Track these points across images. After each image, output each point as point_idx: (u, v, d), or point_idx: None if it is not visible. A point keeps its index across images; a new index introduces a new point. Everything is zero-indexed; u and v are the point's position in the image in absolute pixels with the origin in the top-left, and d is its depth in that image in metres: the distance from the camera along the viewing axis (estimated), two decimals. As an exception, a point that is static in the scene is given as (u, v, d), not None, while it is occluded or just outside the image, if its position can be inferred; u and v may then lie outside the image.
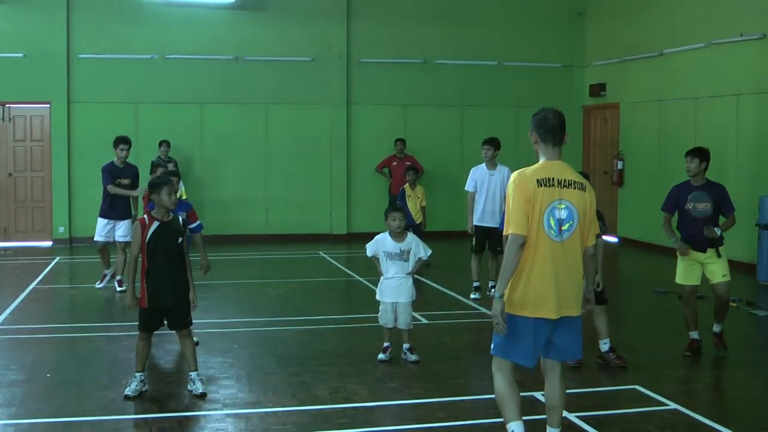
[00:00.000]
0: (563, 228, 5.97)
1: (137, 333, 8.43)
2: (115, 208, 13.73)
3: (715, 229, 9.78)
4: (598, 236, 9.74)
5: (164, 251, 8.23)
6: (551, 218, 5.96)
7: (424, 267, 15.14)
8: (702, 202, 9.93)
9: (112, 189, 13.63)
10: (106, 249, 13.93)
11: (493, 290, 13.17)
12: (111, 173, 13.71)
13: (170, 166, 16.50)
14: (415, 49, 20.95)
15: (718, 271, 9.83)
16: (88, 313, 12.36)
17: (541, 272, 5.95)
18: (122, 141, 13.88)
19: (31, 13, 19.25)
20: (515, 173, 6.09)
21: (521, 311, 6.00)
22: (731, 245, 16.26)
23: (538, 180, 5.98)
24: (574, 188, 6.03)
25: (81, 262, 17.29)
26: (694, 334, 9.89)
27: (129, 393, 8.13)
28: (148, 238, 8.16)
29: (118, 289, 13.45)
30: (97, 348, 10.36)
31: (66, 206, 19.40)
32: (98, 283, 13.98)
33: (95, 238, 13.92)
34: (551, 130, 6.13)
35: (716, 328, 9.97)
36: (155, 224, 8.21)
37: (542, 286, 5.96)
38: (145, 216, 8.32)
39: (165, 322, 8.45)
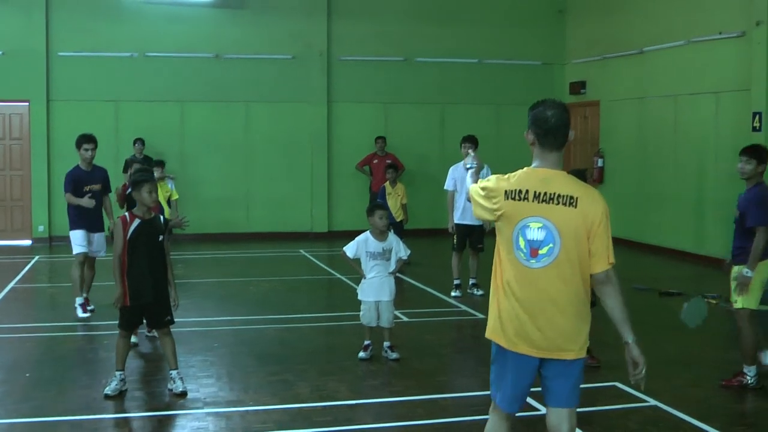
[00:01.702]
0: (540, 252, 4.84)
1: (117, 332, 8.41)
2: (85, 218, 11.69)
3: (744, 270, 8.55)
4: None
5: (146, 249, 8.21)
6: (521, 238, 4.87)
7: (405, 265, 15.17)
8: (737, 209, 8.76)
9: (71, 199, 11.58)
10: (85, 263, 11.86)
11: (474, 289, 13.22)
12: (75, 180, 11.68)
13: (158, 171, 15.72)
14: (396, 47, 20.96)
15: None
16: (67, 312, 12.27)
17: (510, 299, 4.94)
18: (86, 140, 11.79)
19: (9, 10, 19.15)
20: (493, 177, 5.13)
21: (499, 339, 5.03)
22: (708, 241, 16.43)
23: (506, 191, 4.94)
24: (561, 204, 4.84)
25: (61, 261, 17.20)
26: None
27: (109, 392, 8.10)
28: (129, 235, 8.14)
29: (82, 314, 11.61)
30: (77, 347, 10.32)
31: (45, 205, 19.31)
32: (81, 312, 11.68)
33: (76, 251, 11.68)
34: (551, 132, 5.03)
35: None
36: (136, 222, 8.19)
37: (514, 315, 4.93)
38: (126, 214, 8.29)
39: (144, 320, 8.44)
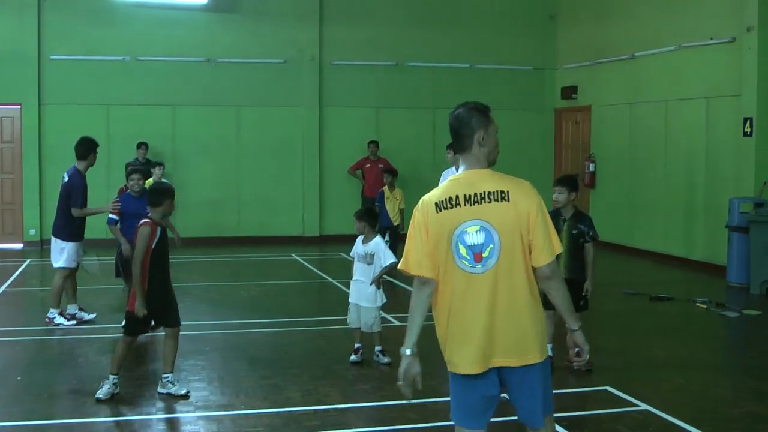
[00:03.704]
0: (483, 255, 4.61)
1: (121, 336, 8.38)
2: (83, 228, 11.67)
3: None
4: (584, 244, 9.66)
5: (163, 257, 8.26)
6: (461, 246, 4.63)
7: (398, 270, 15.15)
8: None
9: (89, 211, 11.51)
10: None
11: None
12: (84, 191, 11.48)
13: (157, 170, 15.66)
14: (388, 52, 20.99)
15: None
16: (58, 315, 12.28)
17: (460, 316, 4.69)
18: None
19: (1, 14, 19.13)
20: (421, 199, 4.87)
21: (452, 367, 4.79)
22: (698, 246, 16.47)
23: (436, 204, 4.70)
24: (493, 200, 4.63)
25: (52, 265, 17.17)
26: None
27: (101, 396, 8.07)
28: (155, 243, 8.14)
29: (66, 323, 11.39)
30: (68, 351, 10.29)
31: (37, 208, 19.28)
32: (65, 320, 11.45)
33: (71, 264, 11.52)
34: (455, 132, 4.87)
35: None
36: (158, 230, 8.19)
37: (462, 333, 4.70)
38: (149, 220, 8.22)
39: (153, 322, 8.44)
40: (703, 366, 9.80)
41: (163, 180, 15.41)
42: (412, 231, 4.79)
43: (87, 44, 19.54)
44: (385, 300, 9.59)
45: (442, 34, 21.19)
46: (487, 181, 4.69)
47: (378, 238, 9.55)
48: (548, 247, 4.66)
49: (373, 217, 9.71)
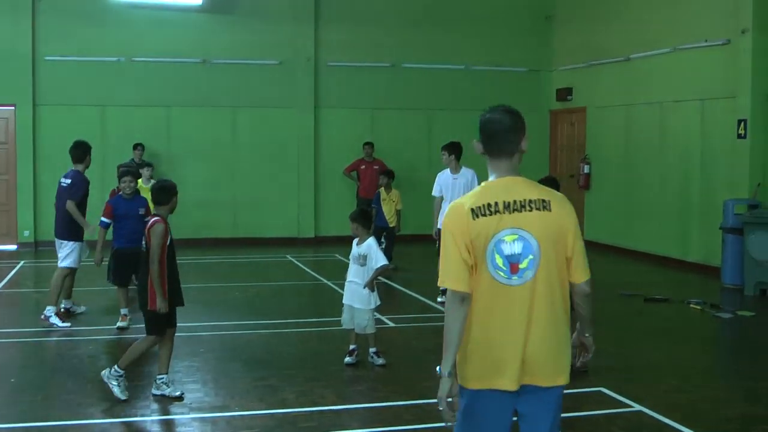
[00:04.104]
0: (520, 266, 4.32)
1: (150, 336, 8.34)
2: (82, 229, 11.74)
3: None
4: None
5: (172, 252, 8.35)
6: (497, 256, 4.32)
7: (392, 271, 15.20)
8: None
9: (74, 210, 11.46)
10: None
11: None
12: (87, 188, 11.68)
13: (146, 171, 15.63)
14: (383, 53, 20.98)
15: None
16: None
17: (487, 329, 4.37)
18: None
19: (-5, 14, 19.12)
20: (449, 206, 4.55)
21: (470, 383, 4.42)
22: (693, 248, 16.49)
23: (472, 210, 4.36)
24: (533, 209, 4.36)
25: (46, 266, 17.13)
26: None
27: (123, 396, 8.10)
28: (169, 240, 8.24)
29: (60, 325, 11.28)
30: (62, 352, 10.28)
31: (31, 210, 19.24)
32: (60, 321, 11.37)
33: (76, 265, 11.66)
34: (496, 136, 4.47)
35: None
36: (168, 226, 8.26)
37: (488, 347, 4.37)
38: (159, 218, 8.27)
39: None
40: (697, 367, 9.82)
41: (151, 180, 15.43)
42: (446, 242, 4.40)
43: (81, 45, 19.51)
44: (379, 302, 9.57)
45: (437, 36, 21.18)
46: (525, 188, 4.43)
47: (371, 240, 9.52)
48: (586, 262, 4.52)
49: (367, 219, 9.71)
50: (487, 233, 4.32)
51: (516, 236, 4.32)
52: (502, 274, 4.32)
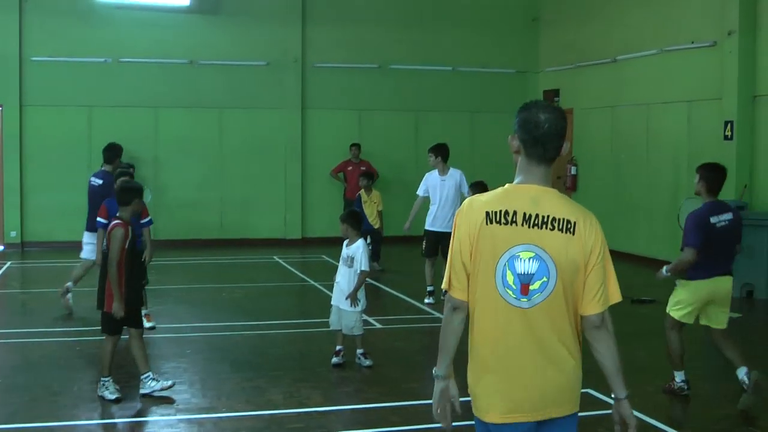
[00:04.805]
0: (531, 287, 3.88)
1: (108, 337, 8.32)
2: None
3: None
4: None
5: (132, 255, 8.35)
6: (509, 272, 3.88)
7: (379, 273, 15.24)
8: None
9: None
10: None
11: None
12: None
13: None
14: (370, 54, 20.99)
15: None
16: (39, 318, 12.23)
17: (498, 352, 3.97)
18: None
19: (-18, 15, 19.05)
20: (465, 201, 4.11)
21: (486, 415, 4.01)
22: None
23: (488, 213, 3.92)
24: (555, 228, 3.90)
25: (33, 267, 17.13)
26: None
27: (111, 397, 8.10)
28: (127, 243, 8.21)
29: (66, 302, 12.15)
30: (49, 353, 10.23)
31: (18, 210, 19.16)
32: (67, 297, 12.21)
33: (93, 256, 11.64)
34: (541, 140, 3.94)
35: None
36: (129, 229, 8.24)
37: (500, 375, 3.97)
38: (120, 221, 8.25)
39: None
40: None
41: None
42: (454, 241, 4.04)
43: (69, 46, 19.45)
44: (365, 306, 9.58)
45: (424, 37, 21.20)
46: (554, 203, 3.96)
47: (360, 242, 9.53)
48: (602, 294, 4.09)
49: (357, 220, 9.72)
50: (501, 245, 3.90)
51: (533, 254, 3.88)
52: (511, 293, 3.90)
